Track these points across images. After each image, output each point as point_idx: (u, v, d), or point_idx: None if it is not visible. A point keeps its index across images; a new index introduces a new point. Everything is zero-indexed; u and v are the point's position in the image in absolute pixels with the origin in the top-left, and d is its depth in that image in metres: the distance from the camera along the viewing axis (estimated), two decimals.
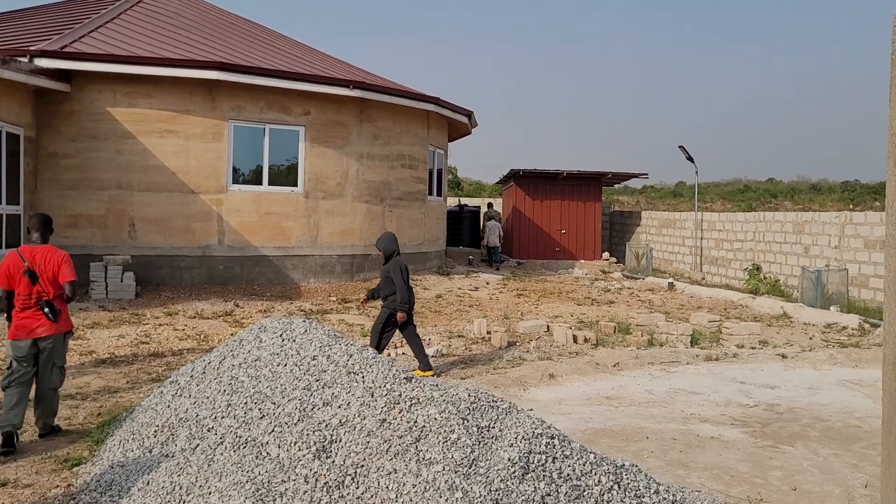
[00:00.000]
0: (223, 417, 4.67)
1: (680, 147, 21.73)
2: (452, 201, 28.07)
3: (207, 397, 4.99)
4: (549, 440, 3.93)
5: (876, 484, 4.91)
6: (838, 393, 7.74)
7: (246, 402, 4.71)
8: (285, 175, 14.31)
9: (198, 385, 5.18)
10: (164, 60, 12.54)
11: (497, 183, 28.67)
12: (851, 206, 33.84)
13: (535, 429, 3.98)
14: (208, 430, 4.60)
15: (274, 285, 13.88)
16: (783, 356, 9.53)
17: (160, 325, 10.53)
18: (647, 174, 24.32)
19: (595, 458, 4.03)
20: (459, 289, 15.55)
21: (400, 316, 8.18)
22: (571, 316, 12.75)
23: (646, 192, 50.93)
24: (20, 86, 11.68)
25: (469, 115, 18.03)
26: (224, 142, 13.46)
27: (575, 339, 10.03)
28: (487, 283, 16.68)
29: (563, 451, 3.95)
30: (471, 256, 20.39)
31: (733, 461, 5.37)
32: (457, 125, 19.00)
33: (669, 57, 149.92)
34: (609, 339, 10.42)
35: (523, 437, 3.87)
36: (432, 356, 9.04)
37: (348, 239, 14.88)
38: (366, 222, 15.20)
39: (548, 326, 10.97)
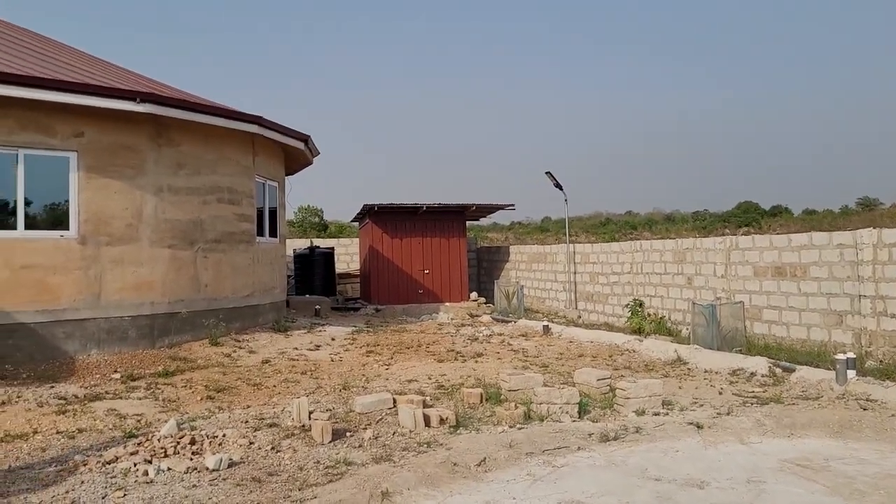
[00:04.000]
0: None
1: (547, 173, 19.91)
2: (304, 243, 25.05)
3: None
4: None
5: None
6: (791, 490, 5.44)
7: None
8: (51, 216, 10.91)
9: None
10: None
11: (352, 221, 25.95)
12: (699, 234, 33.51)
13: None
14: None
15: (36, 362, 10.37)
16: (698, 426, 7.25)
17: None
18: (513, 205, 22.37)
19: None
20: (296, 349, 12.57)
21: None
22: (429, 379, 10.10)
23: (514, 229, 49.89)
24: None
25: (305, 139, 15.24)
26: None
27: (427, 422, 7.34)
28: (333, 339, 13.81)
29: None
30: (318, 306, 17.43)
31: None
32: (294, 153, 16.15)
33: (530, 93, 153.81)
34: (474, 416, 7.81)
35: None
36: (213, 469, 6.07)
37: (146, 295, 11.60)
38: (170, 272, 11.98)
39: (394, 401, 8.23)
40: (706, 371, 10.35)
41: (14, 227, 10.47)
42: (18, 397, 8.88)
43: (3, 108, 10.18)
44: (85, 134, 10.96)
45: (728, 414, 7.73)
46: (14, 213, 10.49)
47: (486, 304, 21.23)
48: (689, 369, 10.59)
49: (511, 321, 16.95)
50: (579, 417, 7.68)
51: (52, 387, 9.46)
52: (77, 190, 10.91)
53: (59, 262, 10.74)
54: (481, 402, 8.38)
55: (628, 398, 7.95)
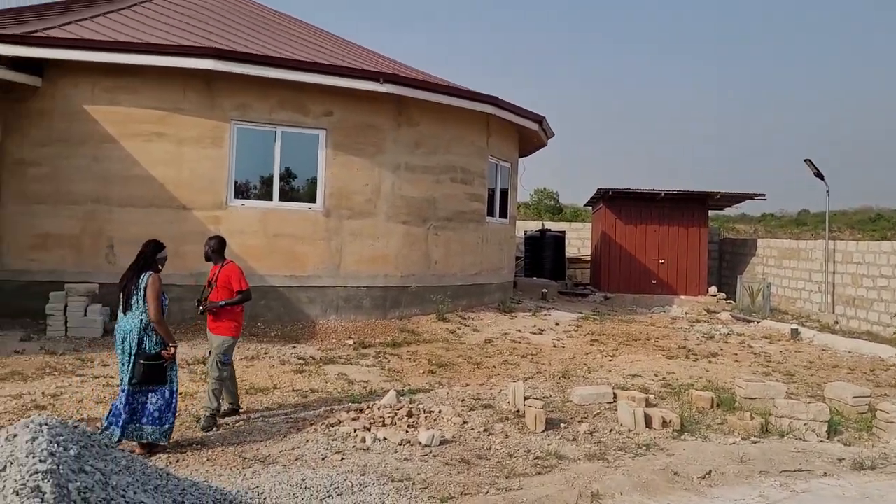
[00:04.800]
0: None
1: (806, 161, 17.88)
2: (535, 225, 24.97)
3: None
4: None
5: None
6: None
7: None
8: (301, 189, 11.79)
9: None
10: (147, 46, 10.32)
11: (586, 205, 25.37)
12: None
13: None
14: None
15: (283, 322, 11.30)
16: None
17: (98, 376, 8.10)
18: (764, 195, 20.38)
19: None
20: (518, 331, 12.50)
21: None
22: (655, 376, 9.48)
23: (765, 221, 45.78)
24: None
25: (540, 120, 15.03)
26: (225, 147, 11.09)
27: (648, 422, 6.82)
28: (557, 324, 13.54)
29: None
30: (545, 290, 17.23)
31: None
32: (528, 134, 16.02)
33: (783, 73, 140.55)
34: (702, 422, 7.14)
35: None
36: (425, 445, 6.10)
37: (380, 267, 12.16)
38: (404, 247, 12.44)
39: (614, 396, 7.79)
40: None
41: (270, 198, 11.45)
42: (265, 354, 9.73)
43: (266, 88, 11.14)
44: (334, 113, 11.67)
45: None
46: (271, 185, 11.48)
47: (725, 300, 19.67)
48: None
49: (753, 321, 15.52)
50: (828, 438, 6.71)
51: (294, 347, 10.24)
52: (324, 166, 11.67)
53: (307, 232, 11.57)
54: (712, 407, 7.66)
55: (892, 422, 6.80)
